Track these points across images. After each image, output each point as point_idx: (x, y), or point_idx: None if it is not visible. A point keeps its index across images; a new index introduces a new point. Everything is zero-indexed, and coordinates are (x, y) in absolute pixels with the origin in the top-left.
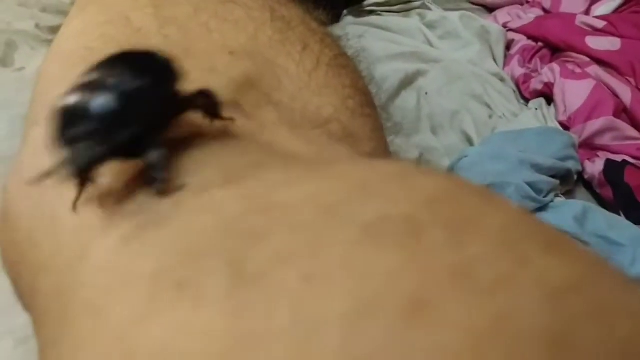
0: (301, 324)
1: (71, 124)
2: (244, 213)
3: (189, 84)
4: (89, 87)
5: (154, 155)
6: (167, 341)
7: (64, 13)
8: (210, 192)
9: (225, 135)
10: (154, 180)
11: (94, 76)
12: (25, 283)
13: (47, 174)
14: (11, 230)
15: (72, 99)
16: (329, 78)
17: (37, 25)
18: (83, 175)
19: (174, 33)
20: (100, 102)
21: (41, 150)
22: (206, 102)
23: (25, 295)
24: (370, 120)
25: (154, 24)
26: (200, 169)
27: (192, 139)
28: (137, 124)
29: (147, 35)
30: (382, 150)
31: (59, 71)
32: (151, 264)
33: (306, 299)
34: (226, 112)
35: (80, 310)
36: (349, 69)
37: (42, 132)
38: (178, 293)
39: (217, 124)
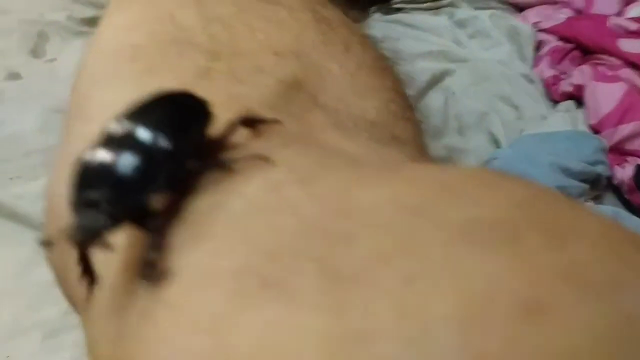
0: (409, 324)
1: (87, 185)
2: (324, 215)
3: (237, 84)
4: (112, 142)
5: (150, 235)
6: (262, 338)
7: (95, 4)
8: (283, 191)
9: (283, 136)
10: (148, 260)
11: (121, 128)
12: (76, 276)
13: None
14: (58, 223)
15: (92, 157)
16: (371, 80)
17: (69, 17)
18: (88, 243)
19: (219, 32)
20: (119, 165)
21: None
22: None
23: (73, 290)
24: (411, 124)
25: (198, 23)
26: (267, 167)
27: (249, 142)
28: (155, 190)
29: (192, 34)
30: (425, 156)
31: (105, 67)
32: (231, 262)
33: (410, 299)
34: (272, 115)
35: (156, 306)
36: (389, 72)
37: (95, 129)
38: (266, 291)
39: (263, 127)
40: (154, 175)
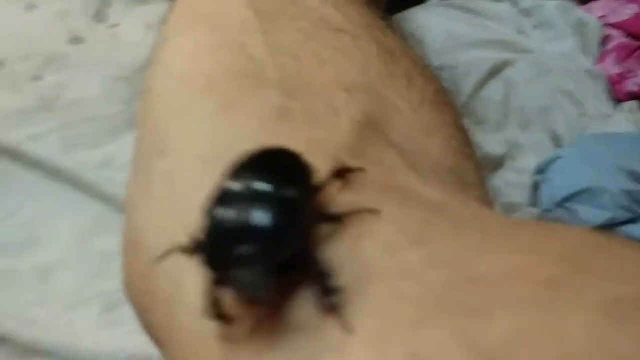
0: None
1: (230, 243)
2: (450, 283)
3: (315, 127)
4: (238, 197)
5: (322, 267)
6: None
7: None
8: (401, 255)
9: (371, 185)
10: (325, 293)
11: (239, 184)
12: (160, 315)
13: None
14: (142, 262)
15: (226, 214)
16: (432, 116)
17: None
18: (260, 298)
19: (289, 64)
20: (259, 217)
21: (179, 182)
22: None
23: (158, 328)
24: (472, 162)
25: (267, 52)
26: (377, 227)
27: (342, 193)
28: (297, 237)
29: (262, 65)
30: (486, 194)
31: (179, 98)
32: (365, 333)
33: None
34: (351, 160)
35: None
36: (449, 105)
37: (174, 163)
38: None
39: (351, 177)
40: (294, 226)
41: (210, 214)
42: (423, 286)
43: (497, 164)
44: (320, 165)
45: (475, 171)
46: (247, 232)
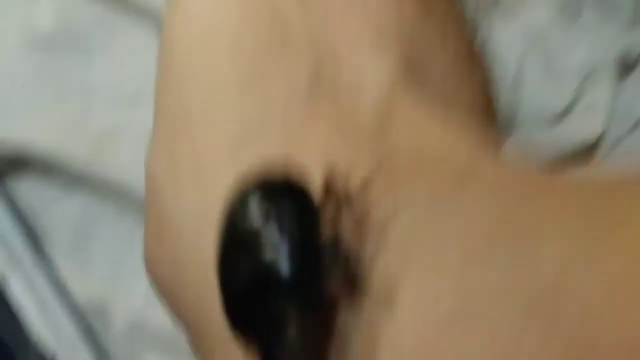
0: None
1: (268, 293)
2: (495, 223)
3: (338, 107)
4: (264, 246)
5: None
6: None
7: None
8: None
9: (405, 170)
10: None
11: (253, 226)
12: (189, 300)
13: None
14: (168, 245)
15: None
16: (459, 82)
17: None
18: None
19: (314, 6)
20: (291, 264)
21: (205, 165)
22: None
23: (186, 313)
24: (477, 74)
25: None
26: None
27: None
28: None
29: (287, 13)
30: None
31: (202, 59)
32: (417, 262)
33: None
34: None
35: None
36: (478, 67)
37: (200, 142)
38: None
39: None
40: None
41: (231, 278)
42: (470, 224)
43: None
44: (342, 151)
45: (480, 84)
46: (284, 285)
